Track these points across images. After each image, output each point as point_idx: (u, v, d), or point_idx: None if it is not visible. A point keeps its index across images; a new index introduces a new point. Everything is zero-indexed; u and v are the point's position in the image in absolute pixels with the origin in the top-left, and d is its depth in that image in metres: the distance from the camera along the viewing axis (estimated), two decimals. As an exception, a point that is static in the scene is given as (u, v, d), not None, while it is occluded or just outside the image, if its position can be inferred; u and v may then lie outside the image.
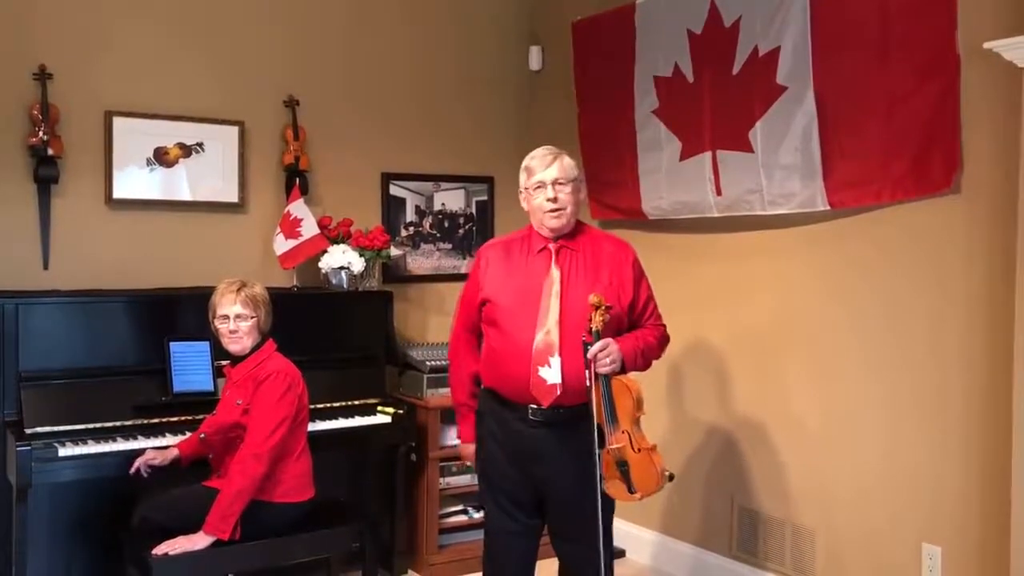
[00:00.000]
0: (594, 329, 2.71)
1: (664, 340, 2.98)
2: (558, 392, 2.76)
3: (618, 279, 2.88)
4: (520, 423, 2.85)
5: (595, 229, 3.04)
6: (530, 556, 3.02)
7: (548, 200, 2.83)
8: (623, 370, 2.78)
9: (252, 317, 3.23)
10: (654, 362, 2.96)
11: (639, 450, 2.71)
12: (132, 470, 3.28)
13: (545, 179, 2.85)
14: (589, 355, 2.70)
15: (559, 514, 2.92)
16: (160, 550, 3.01)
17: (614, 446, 2.72)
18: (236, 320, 3.21)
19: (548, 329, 2.77)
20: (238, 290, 3.24)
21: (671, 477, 2.76)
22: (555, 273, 2.84)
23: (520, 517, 2.95)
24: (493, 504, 2.99)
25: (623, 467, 2.71)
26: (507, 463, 2.91)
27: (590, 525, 2.73)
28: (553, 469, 2.84)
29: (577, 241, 2.90)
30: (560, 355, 2.75)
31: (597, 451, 2.71)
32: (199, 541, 3.04)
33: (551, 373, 2.75)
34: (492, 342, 2.91)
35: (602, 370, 2.71)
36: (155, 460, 3.30)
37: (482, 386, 3.00)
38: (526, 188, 2.92)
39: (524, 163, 2.95)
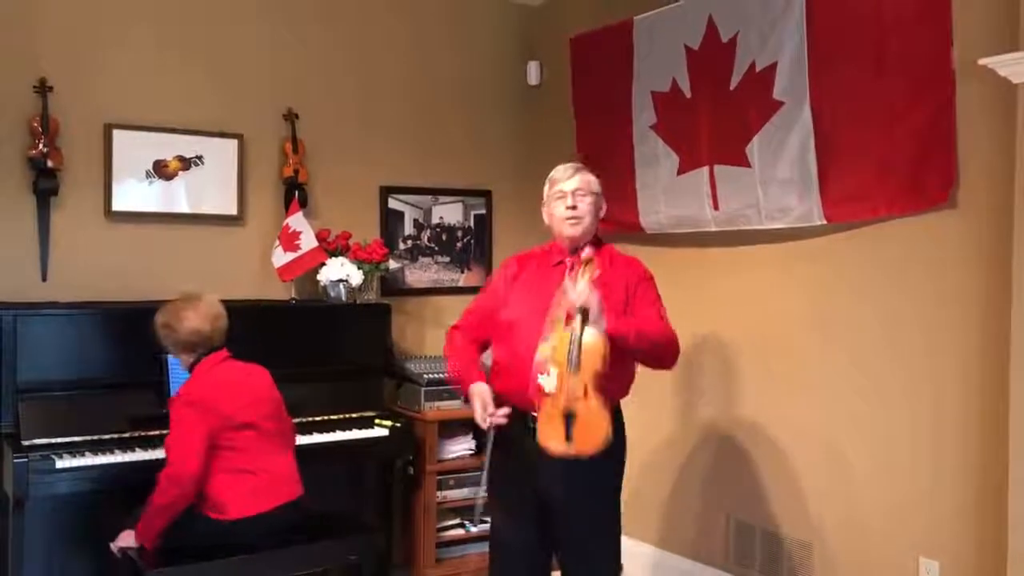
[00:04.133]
0: (580, 278, 2.62)
1: (673, 339, 2.88)
2: None
3: (628, 296, 2.88)
4: (523, 431, 2.85)
5: (614, 249, 3.03)
6: (537, 571, 3.00)
7: (567, 208, 2.88)
8: (605, 332, 2.65)
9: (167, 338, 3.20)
10: (658, 373, 2.93)
11: (591, 407, 2.60)
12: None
13: (566, 189, 2.90)
14: (564, 284, 2.64)
15: (558, 524, 2.91)
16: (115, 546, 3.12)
17: (568, 384, 2.59)
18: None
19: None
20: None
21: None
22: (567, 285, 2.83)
23: (526, 529, 2.94)
24: (498, 514, 3.00)
25: (569, 418, 2.61)
26: (512, 472, 2.91)
27: (589, 536, 2.71)
28: (552, 478, 2.84)
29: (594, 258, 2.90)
30: None
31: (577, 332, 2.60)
32: (127, 539, 3.10)
33: (549, 381, 2.75)
34: (499, 352, 2.94)
35: (573, 296, 2.61)
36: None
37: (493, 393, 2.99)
38: (548, 198, 2.96)
39: (548, 176, 2.99)
